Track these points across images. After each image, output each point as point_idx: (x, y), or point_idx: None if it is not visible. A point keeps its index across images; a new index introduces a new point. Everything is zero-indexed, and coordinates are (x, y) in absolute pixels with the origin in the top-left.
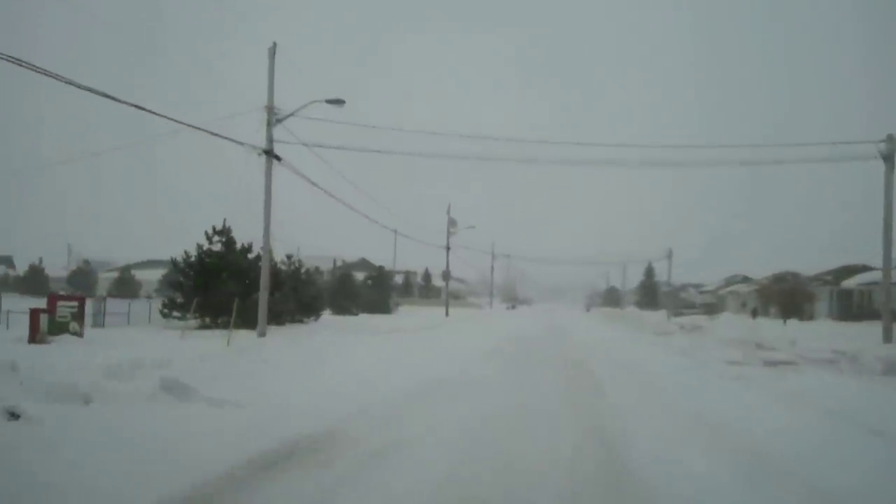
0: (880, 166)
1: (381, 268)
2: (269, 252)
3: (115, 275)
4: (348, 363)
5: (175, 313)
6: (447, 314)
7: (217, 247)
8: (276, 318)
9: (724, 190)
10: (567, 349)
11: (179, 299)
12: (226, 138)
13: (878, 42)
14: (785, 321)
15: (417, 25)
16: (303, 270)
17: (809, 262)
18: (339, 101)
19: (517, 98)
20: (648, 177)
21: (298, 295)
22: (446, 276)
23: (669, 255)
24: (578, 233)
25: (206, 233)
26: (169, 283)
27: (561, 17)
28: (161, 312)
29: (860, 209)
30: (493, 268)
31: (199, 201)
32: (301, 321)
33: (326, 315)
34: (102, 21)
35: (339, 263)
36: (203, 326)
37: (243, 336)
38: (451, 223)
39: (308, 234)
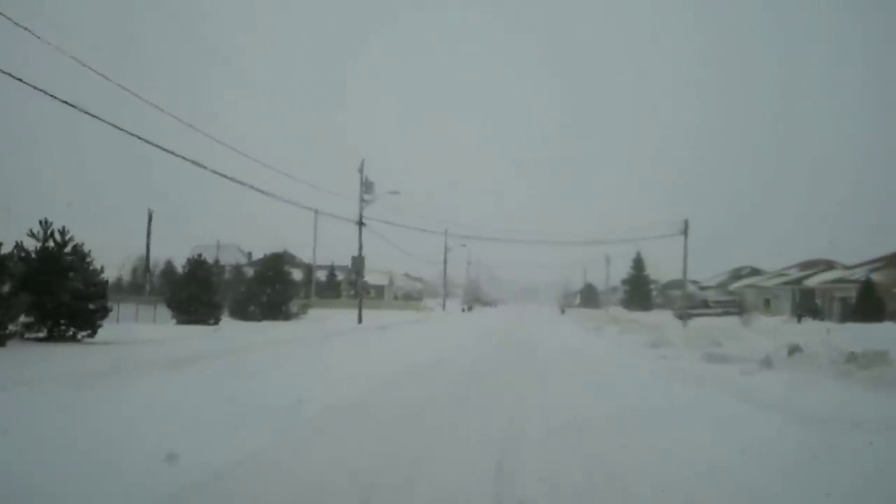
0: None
1: (277, 256)
2: None
3: None
4: None
5: None
6: (360, 321)
7: None
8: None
9: (715, 183)
10: (528, 446)
11: None
12: None
13: None
14: None
15: None
16: (67, 250)
17: (810, 252)
18: None
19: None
20: (631, 169)
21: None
22: (358, 263)
23: (685, 231)
24: (552, 229)
25: None
26: None
27: None
28: None
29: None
30: (445, 259)
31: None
32: (75, 337)
33: (162, 327)
34: None
35: (255, 257)
36: None
37: None
38: (367, 187)
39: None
